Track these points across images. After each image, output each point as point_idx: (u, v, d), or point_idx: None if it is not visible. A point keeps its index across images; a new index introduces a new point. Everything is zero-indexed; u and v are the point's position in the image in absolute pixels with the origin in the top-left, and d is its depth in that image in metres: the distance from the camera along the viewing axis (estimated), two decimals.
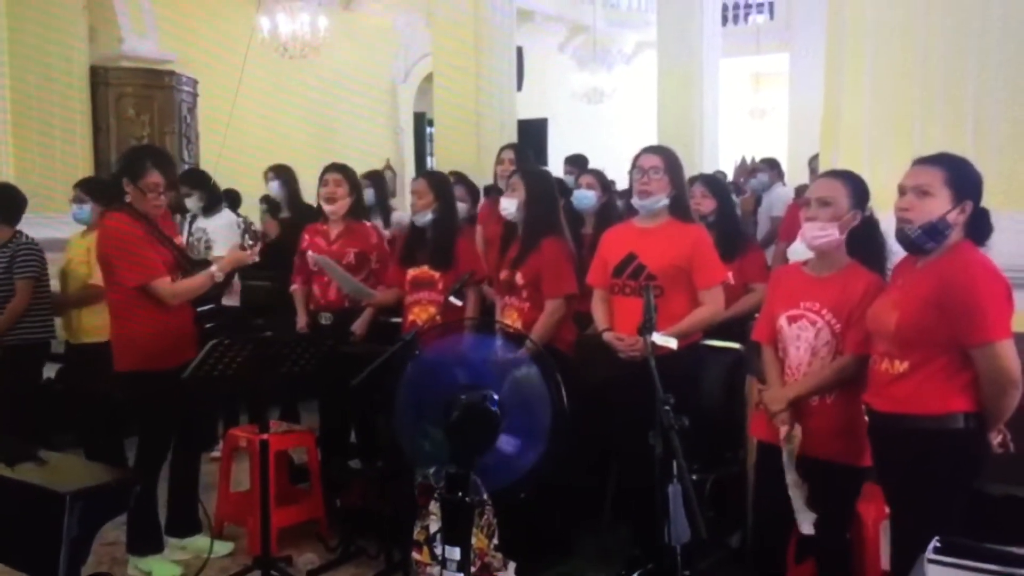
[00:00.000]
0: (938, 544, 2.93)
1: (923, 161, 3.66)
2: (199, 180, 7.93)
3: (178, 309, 5.39)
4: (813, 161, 7.64)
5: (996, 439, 3.61)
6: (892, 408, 3.66)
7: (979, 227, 3.62)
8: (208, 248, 7.46)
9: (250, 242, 5.53)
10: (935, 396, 3.55)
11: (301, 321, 6.56)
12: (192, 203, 7.71)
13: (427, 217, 5.95)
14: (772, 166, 11.46)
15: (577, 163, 9.76)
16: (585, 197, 6.56)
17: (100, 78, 10.68)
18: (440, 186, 6.05)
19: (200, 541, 5.64)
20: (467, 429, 3.32)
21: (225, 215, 7.74)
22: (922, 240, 3.58)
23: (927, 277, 3.60)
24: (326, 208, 6.43)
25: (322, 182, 6.51)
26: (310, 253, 6.32)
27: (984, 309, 3.45)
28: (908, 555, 3.45)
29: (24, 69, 9.20)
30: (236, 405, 7.77)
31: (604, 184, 6.74)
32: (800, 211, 4.26)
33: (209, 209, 7.72)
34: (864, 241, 4.03)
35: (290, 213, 8.44)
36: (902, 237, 3.65)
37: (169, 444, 5.48)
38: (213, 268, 5.41)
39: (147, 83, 11.16)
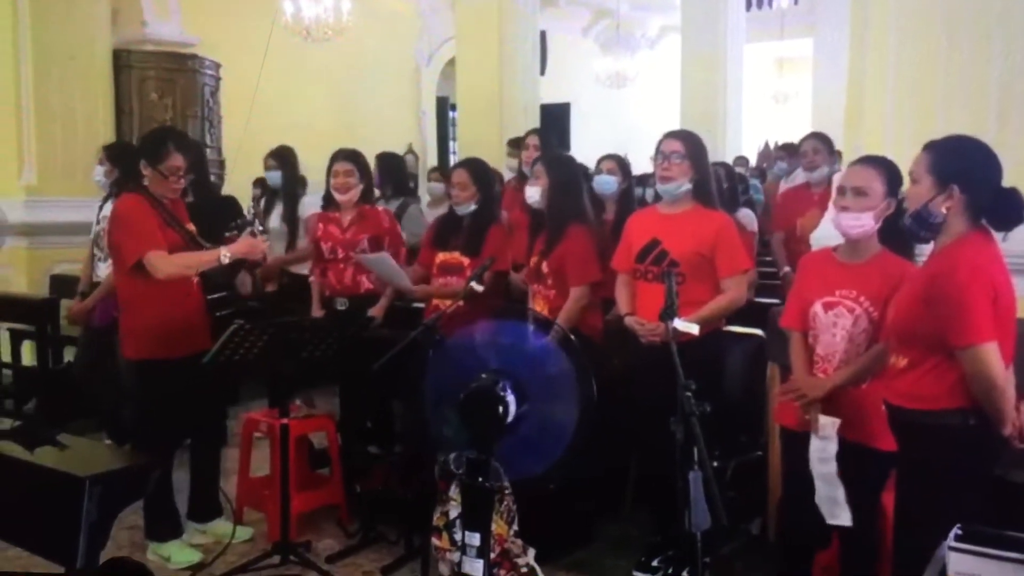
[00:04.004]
0: (959, 532, 2.92)
1: (924, 147, 3.60)
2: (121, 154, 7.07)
3: (188, 297, 5.37)
4: (804, 143, 7.54)
5: (1014, 435, 3.53)
6: (896, 402, 3.65)
7: (1000, 210, 3.48)
8: None
9: (260, 228, 5.51)
10: (930, 392, 3.52)
11: (316, 311, 6.57)
12: (99, 176, 7.10)
13: (470, 208, 5.96)
14: (790, 152, 11.40)
15: (517, 144, 8.60)
16: (606, 182, 6.50)
17: (123, 61, 10.67)
18: (482, 177, 6.04)
19: (221, 526, 5.67)
20: (474, 412, 3.31)
21: None
22: (914, 228, 3.55)
23: (923, 273, 3.58)
24: (339, 197, 6.41)
25: (332, 172, 6.48)
26: (359, 255, 6.28)
27: (966, 311, 3.37)
28: (909, 544, 3.53)
29: (47, 52, 9.23)
30: (236, 391, 7.80)
31: (625, 169, 6.70)
32: (831, 197, 4.20)
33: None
34: (895, 227, 3.96)
35: (194, 198, 7.25)
36: (902, 226, 3.64)
37: (177, 432, 5.47)
38: (222, 249, 5.25)
39: (170, 66, 11.14)
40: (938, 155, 3.52)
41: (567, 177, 5.55)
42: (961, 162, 3.51)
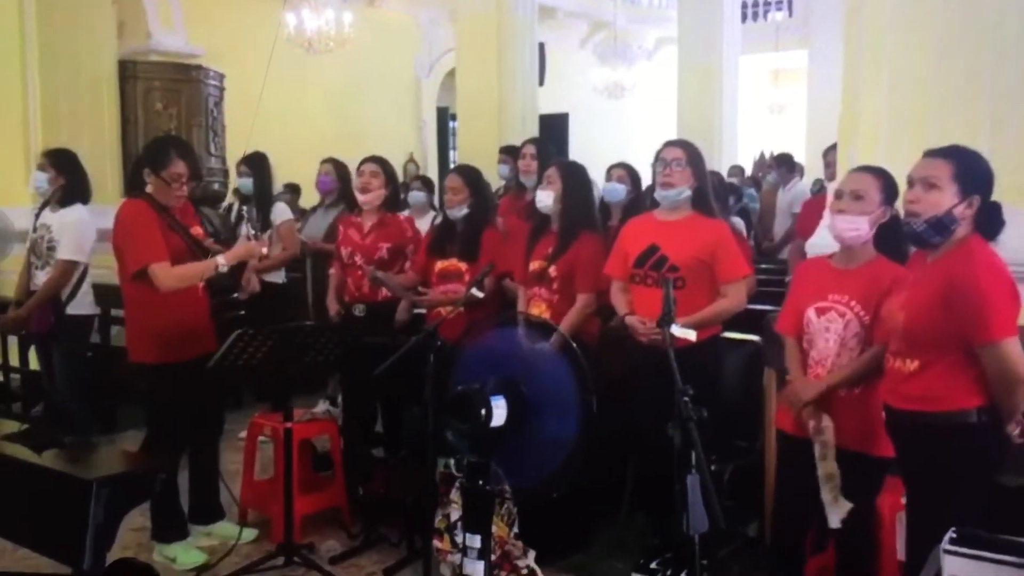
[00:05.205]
0: (954, 535, 2.95)
1: (933, 153, 3.61)
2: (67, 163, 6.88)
3: (193, 301, 5.38)
4: (828, 154, 7.63)
5: (1015, 431, 3.58)
6: (906, 406, 3.67)
7: (990, 221, 3.58)
8: (51, 249, 6.70)
9: (252, 232, 5.56)
10: (946, 393, 3.55)
11: (332, 306, 6.69)
12: (42, 183, 6.80)
13: (462, 211, 6.01)
14: (780, 163, 11.44)
15: (509, 152, 8.74)
16: (615, 190, 6.56)
17: (129, 72, 10.73)
18: (474, 181, 6.10)
19: (226, 528, 5.72)
20: (457, 415, 3.35)
21: (76, 211, 6.76)
22: (928, 234, 3.56)
23: (933, 276, 3.59)
24: (360, 198, 6.50)
25: (358, 173, 6.60)
26: (372, 271, 6.28)
27: (989, 309, 3.43)
28: (923, 548, 3.45)
29: (54, 63, 9.26)
30: (239, 395, 7.88)
31: (634, 178, 6.76)
32: (829, 203, 4.23)
33: (65, 201, 6.73)
34: (890, 236, 4.00)
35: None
36: (908, 231, 3.64)
37: (183, 435, 5.46)
38: (219, 258, 5.27)
39: (175, 77, 11.21)
40: (962, 164, 3.56)
41: (581, 185, 5.59)
42: (983, 173, 3.59)
